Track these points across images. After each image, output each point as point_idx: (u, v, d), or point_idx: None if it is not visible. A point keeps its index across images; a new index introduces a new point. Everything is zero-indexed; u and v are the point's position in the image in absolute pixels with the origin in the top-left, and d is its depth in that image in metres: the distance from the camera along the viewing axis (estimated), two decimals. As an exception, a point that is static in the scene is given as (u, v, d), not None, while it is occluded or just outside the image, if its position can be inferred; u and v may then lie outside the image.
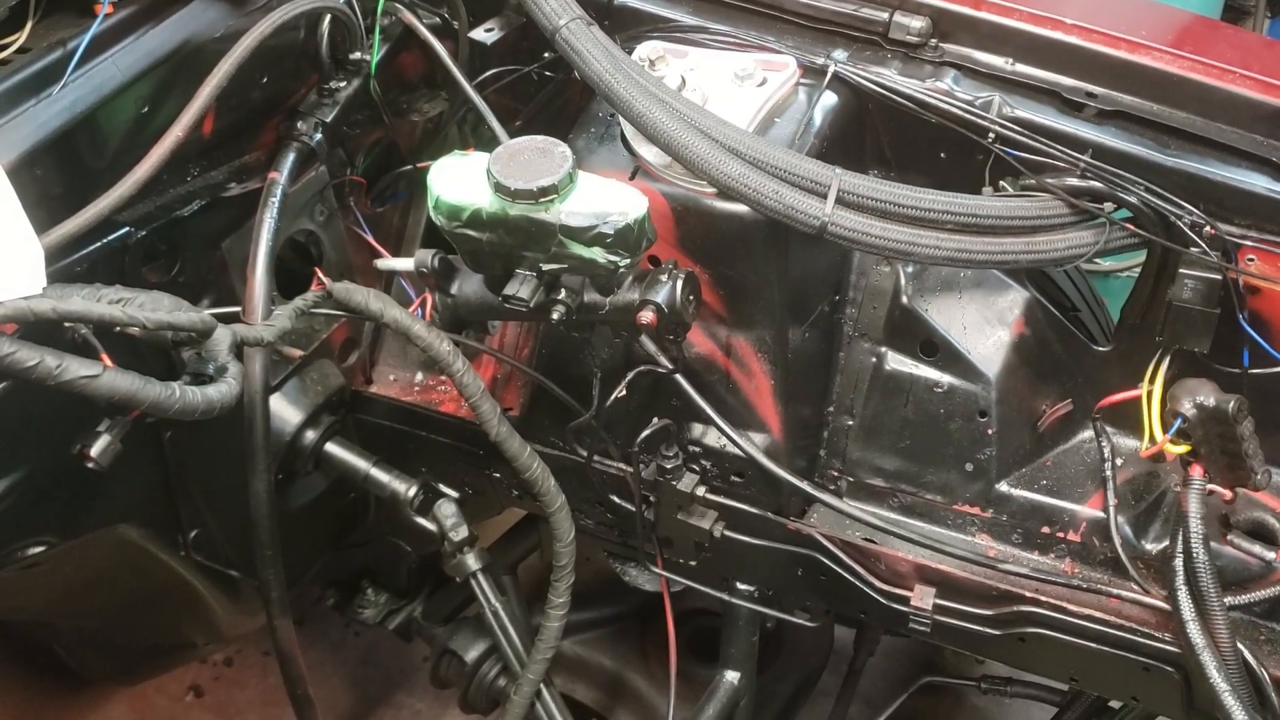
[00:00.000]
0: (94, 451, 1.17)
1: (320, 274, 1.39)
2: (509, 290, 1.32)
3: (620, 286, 1.35)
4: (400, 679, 2.48)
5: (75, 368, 1.03)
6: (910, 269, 1.53)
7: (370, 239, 1.62)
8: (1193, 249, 1.34)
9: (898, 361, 1.54)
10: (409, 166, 1.68)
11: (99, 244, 1.26)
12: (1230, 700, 1.32)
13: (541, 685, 1.64)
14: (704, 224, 1.39)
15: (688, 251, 1.42)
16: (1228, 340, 1.40)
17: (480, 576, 1.69)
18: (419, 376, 1.77)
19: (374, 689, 2.47)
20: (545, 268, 1.31)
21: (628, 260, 1.29)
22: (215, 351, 1.17)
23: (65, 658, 2.15)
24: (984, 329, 1.52)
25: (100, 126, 1.25)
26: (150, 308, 1.11)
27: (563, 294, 1.35)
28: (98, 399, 1.06)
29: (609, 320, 1.38)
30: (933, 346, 1.52)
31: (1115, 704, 1.86)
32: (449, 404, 1.73)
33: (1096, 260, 2.38)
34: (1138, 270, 1.48)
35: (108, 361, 1.07)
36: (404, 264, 1.43)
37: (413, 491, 1.65)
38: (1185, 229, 1.34)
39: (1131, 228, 1.38)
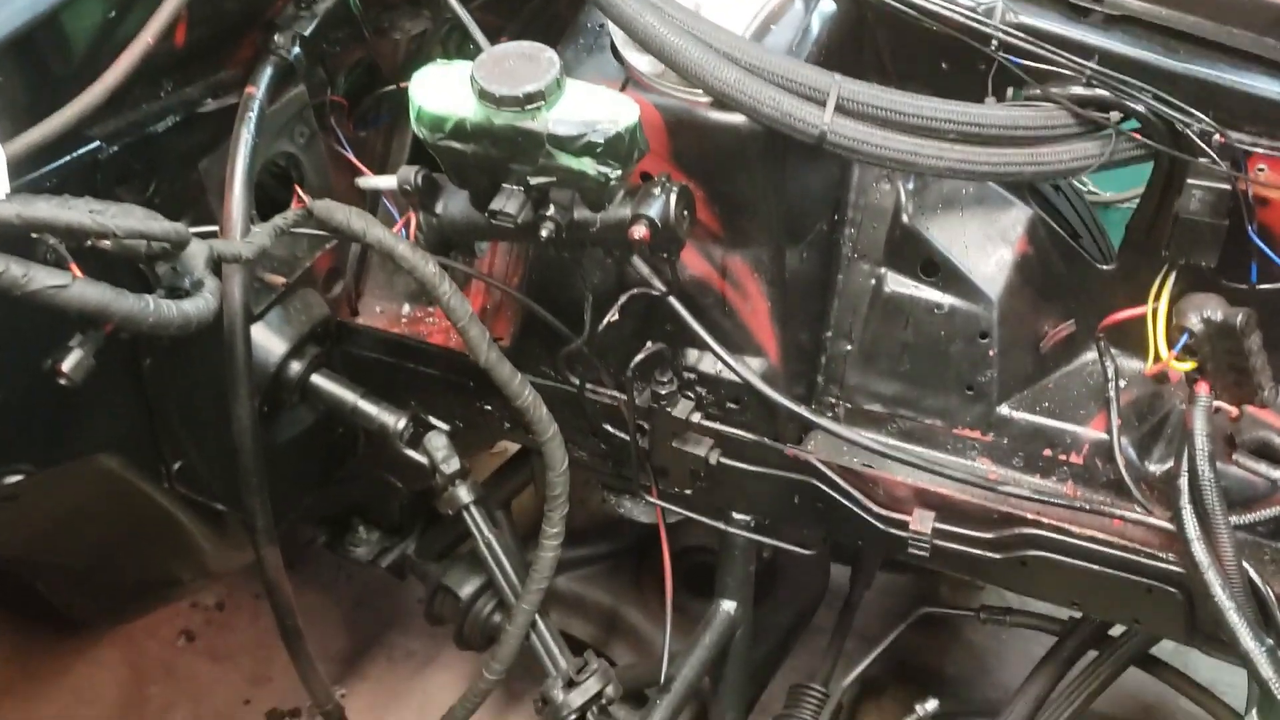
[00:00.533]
0: (66, 367, 1.13)
1: (300, 192, 1.35)
2: (495, 205, 1.27)
3: (611, 201, 1.31)
4: (394, 620, 2.46)
5: (43, 277, 0.99)
6: (910, 185, 1.49)
7: (352, 158, 1.57)
8: (1201, 158, 1.30)
9: (898, 283, 1.51)
10: (392, 87, 1.63)
11: (68, 158, 1.21)
12: (1235, 618, 1.30)
13: (536, 616, 1.62)
14: (698, 136, 1.34)
15: (681, 166, 1.38)
16: (1235, 256, 1.36)
17: (473, 509, 1.67)
18: (406, 308, 1.73)
19: (368, 631, 2.45)
20: (533, 181, 1.27)
21: (619, 172, 1.24)
22: (191, 265, 1.13)
23: (50, 597, 2.12)
24: (986, 248, 1.48)
25: (65, 30, 1.19)
26: (122, 217, 1.06)
27: (552, 210, 1.30)
28: (68, 310, 1.02)
29: (600, 238, 1.34)
30: (933, 266, 1.48)
31: (1115, 633, 1.85)
32: (438, 335, 1.69)
33: (1098, 190, 2.36)
34: (1139, 201, 1.44)
35: (77, 272, 1.03)
36: (387, 182, 1.39)
37: (402, 424, 1.62)
38: (1194, 137, 1.30)
39: (1138, 137, 1.33)
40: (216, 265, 1.18)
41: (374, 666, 2.39)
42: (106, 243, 1.08)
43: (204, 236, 1.19)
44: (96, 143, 1.25)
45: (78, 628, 2.34)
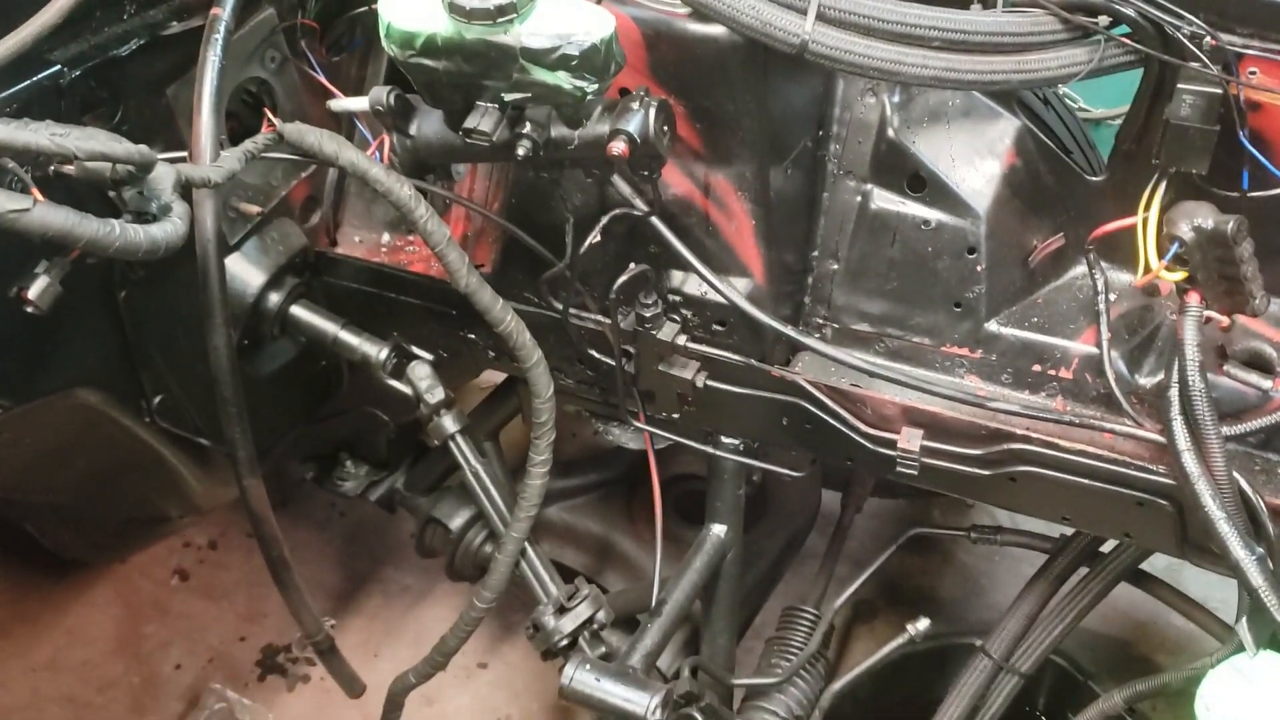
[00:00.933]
0: (32, 293, 1.10)
1: (271, 115, 1.31)
2: (469, 123, 1.24)
3: (589, 118, 1.28)
4: (386, 556, 2.47)
5: (3, 201, 0.96)
6: (896, 98, 1.45)
7: (326, 83, 1.53)
8: (1192, 62, 1.27)
9: (884, 199, 1.48)
10: (364, 9, 1.58)
11: (28, 82, 1.18)
12: (1225, 528, 1.30)
13: (526, 544, 1.61)
14: (677, 49, 1.31)
15: (660, 81, 1.34)
16: (1225, 163, 1.33)
17: (459, 438, 1.66)
18: (386, 237, 1.71)
19: (361, 566, 2.46)
20: (507, 98, 1.24)
21: (595, 86, 1.21)
22: (158, 190, 1.10)
23: (39, 537, 2.12)
24: (973, 160, 1.45)
25: None
26: (84, 139, 1.03)
27: (528, 128, 1.27)
28: (30, 235, 0.99)
29: (578, 157, 1.31)
30: (920, 181, 1.45)
31: (1106, 549, 1.85)
32: (419, 264, 1.67)
33: (1089, 107, 2.30)
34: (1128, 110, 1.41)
35: (39, 197, 1.00)
36: (359, 103, 1.36)
37: (384, 354, 1.61)
38: (1184, 41, 1.26)
39: (1128, 42, 1.30)
40: (185, 190, 1.16)
41: (368, 601, 2.41)
42: (70, 168, 1.06)
43: (173, 162, 1.17)
44: (57, 67, 1.22)
45: (70, 569, 2.34)
